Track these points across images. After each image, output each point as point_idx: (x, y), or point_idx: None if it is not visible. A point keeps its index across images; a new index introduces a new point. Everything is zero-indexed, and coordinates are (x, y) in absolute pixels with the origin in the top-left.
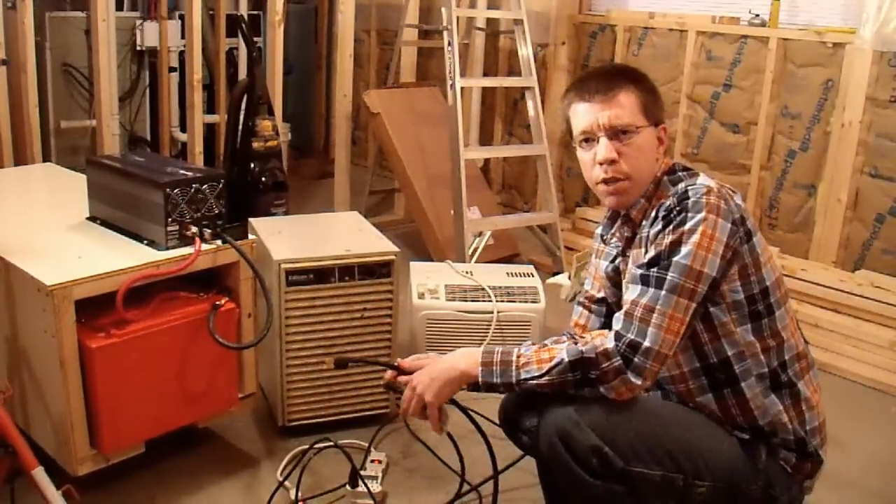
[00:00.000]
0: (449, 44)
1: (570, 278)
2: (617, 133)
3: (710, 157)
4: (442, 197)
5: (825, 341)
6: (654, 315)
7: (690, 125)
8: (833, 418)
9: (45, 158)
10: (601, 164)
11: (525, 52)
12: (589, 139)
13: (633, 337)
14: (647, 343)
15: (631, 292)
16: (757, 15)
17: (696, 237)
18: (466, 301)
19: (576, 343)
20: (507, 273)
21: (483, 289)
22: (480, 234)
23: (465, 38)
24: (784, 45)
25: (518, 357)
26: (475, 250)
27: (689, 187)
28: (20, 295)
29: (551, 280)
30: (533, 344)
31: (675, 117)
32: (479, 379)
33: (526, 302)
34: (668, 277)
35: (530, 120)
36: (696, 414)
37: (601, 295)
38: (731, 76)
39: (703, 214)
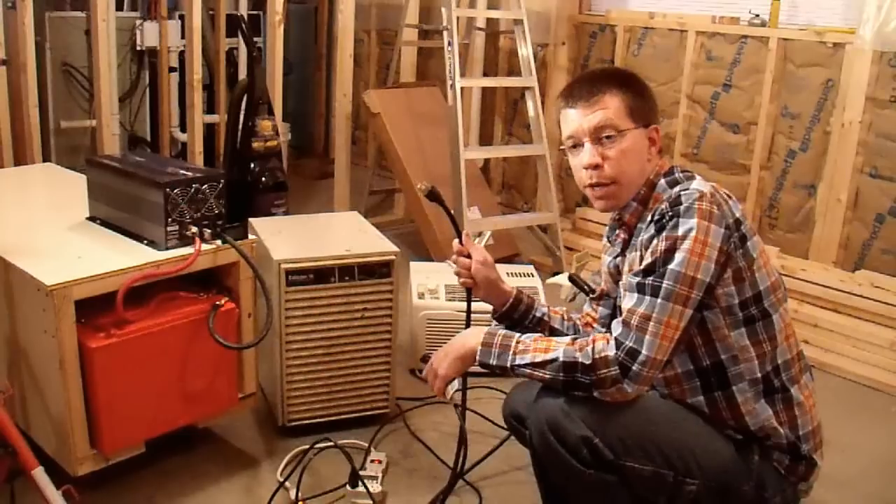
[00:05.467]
0: (449, 44)
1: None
2: (600, 138)
3: (710, 157)
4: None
5: (825, 341)
6: (651, 323)
7: (690, 125)
8: (833, 418)
9: (45, 158)
10: (586, 168)
11: (525, 52)
12: (576, 144)
13: (631, 345)
14: (644, 351)
15: (628, 300)
16: (757, 15)
17: (688, 243)
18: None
19: (574, 343)
20: (507, 273)
21: None
22: (480, 234)
23: (465, 38)
24: (784, 45)
25: (517, 343)
26: None
27: (682, 192)
28: (20, 295)
29: (551, 280)
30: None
31: (675, 117)
32: (477, 358)
33: None
34: (664, 286)
35: (530, 120)
36: (690, 413)
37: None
38: (731, 76)
39: (695, 220)
